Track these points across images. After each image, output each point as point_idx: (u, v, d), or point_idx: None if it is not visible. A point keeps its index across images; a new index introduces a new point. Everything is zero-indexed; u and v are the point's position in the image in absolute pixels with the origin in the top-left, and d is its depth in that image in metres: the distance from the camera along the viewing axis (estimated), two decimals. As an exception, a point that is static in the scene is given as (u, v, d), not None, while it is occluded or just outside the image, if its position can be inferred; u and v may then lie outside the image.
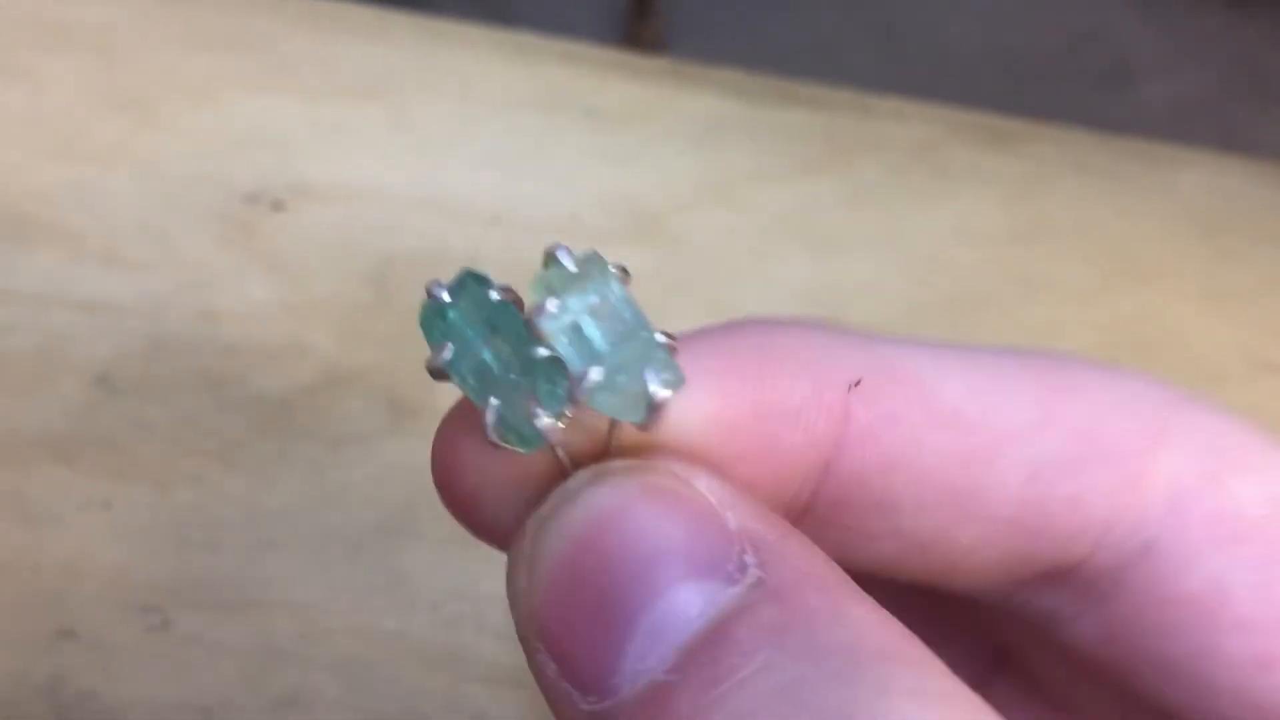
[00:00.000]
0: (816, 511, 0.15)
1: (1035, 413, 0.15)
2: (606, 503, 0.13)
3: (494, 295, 0.13)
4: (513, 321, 0.13)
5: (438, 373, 0.13)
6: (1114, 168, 0.38)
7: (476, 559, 0.30)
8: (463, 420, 0.14)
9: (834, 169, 0.37)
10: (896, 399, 0.14)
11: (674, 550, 0.12)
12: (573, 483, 0.13)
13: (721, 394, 0.14)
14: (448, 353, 0.13)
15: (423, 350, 0.36)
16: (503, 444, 0.13)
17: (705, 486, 0.13)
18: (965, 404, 0.14)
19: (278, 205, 0.34)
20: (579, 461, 0.14)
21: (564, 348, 0.13)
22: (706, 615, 0.12)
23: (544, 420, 0.13)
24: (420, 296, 0.14)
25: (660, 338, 0.13)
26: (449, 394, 0.34)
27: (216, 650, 0.28)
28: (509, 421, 0.13)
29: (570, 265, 0.13)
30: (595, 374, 0.13)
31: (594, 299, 0.13)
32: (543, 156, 0.36)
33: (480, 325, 0.13)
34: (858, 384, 0.14)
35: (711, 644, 0.12)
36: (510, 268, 0.35)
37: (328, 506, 0.30)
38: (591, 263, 0.13)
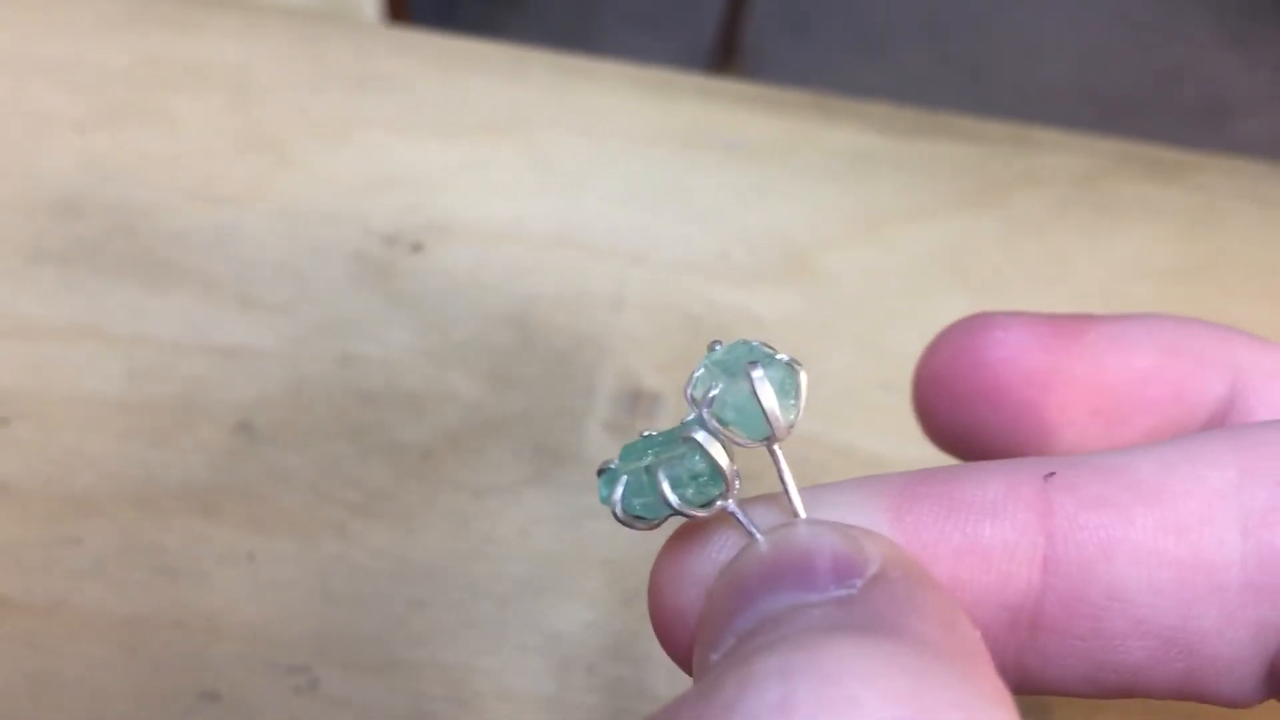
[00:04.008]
0: (1055, 626, 0.15)
1: (1234, 471, 0.15)
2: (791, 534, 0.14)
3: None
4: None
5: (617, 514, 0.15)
6: (1291, 199, 0.35)
7: (633, 618, 0.28)
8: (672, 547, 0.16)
9: (991, 203, 0.35)
10: (1096, 483, 0.15)
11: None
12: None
13: (906, 504, 0.15)
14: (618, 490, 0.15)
15: (567, 395, 0.34)
16: (630, 516, 0.15)
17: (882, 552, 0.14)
18: (1164, 478, 0.15)
19: (416, 247, 0.33)
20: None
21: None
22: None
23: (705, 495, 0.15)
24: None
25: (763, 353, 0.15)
26: (597, 442, 0.32)
27: (365, 714, 0.27)
28: (636, 495, 0.15)
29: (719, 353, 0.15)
30: (715, 390, 0.15)
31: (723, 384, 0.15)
32: (684, 194, 0.35)
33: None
34: (1052, 475, 0.15)
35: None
36: (655, 309, 0.33)
37: (473, 560, 0.29)
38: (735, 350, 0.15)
